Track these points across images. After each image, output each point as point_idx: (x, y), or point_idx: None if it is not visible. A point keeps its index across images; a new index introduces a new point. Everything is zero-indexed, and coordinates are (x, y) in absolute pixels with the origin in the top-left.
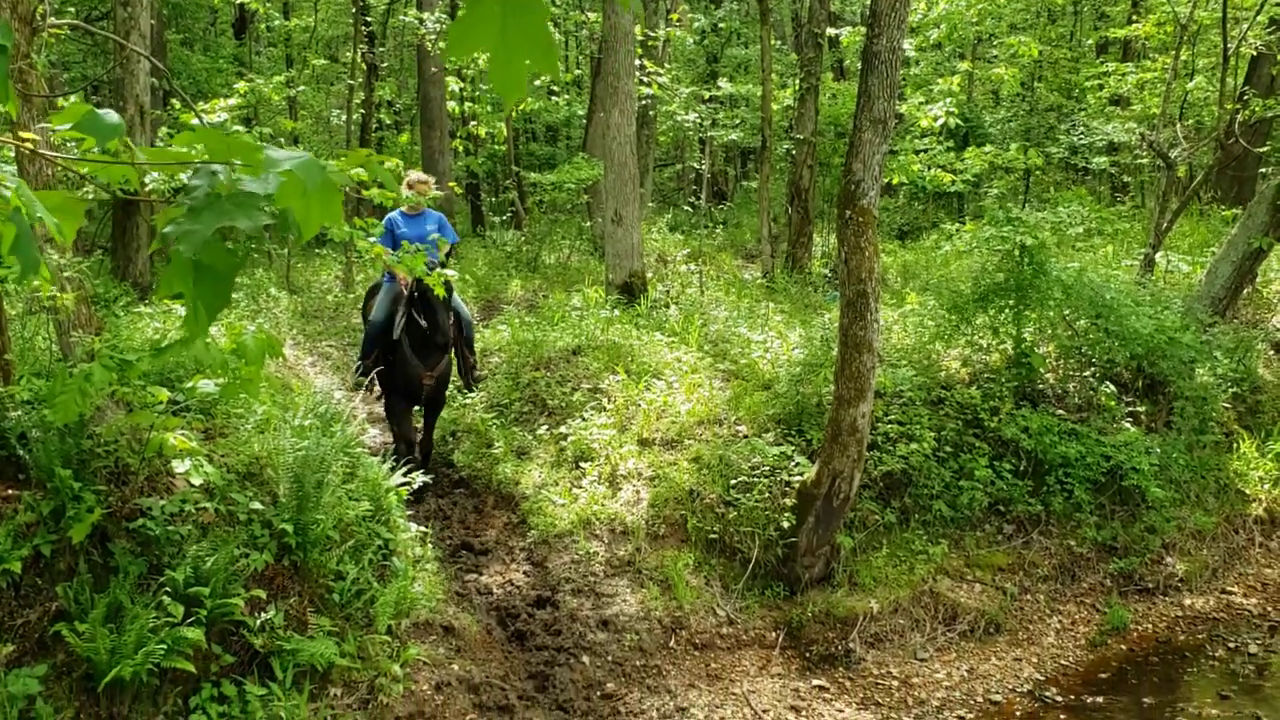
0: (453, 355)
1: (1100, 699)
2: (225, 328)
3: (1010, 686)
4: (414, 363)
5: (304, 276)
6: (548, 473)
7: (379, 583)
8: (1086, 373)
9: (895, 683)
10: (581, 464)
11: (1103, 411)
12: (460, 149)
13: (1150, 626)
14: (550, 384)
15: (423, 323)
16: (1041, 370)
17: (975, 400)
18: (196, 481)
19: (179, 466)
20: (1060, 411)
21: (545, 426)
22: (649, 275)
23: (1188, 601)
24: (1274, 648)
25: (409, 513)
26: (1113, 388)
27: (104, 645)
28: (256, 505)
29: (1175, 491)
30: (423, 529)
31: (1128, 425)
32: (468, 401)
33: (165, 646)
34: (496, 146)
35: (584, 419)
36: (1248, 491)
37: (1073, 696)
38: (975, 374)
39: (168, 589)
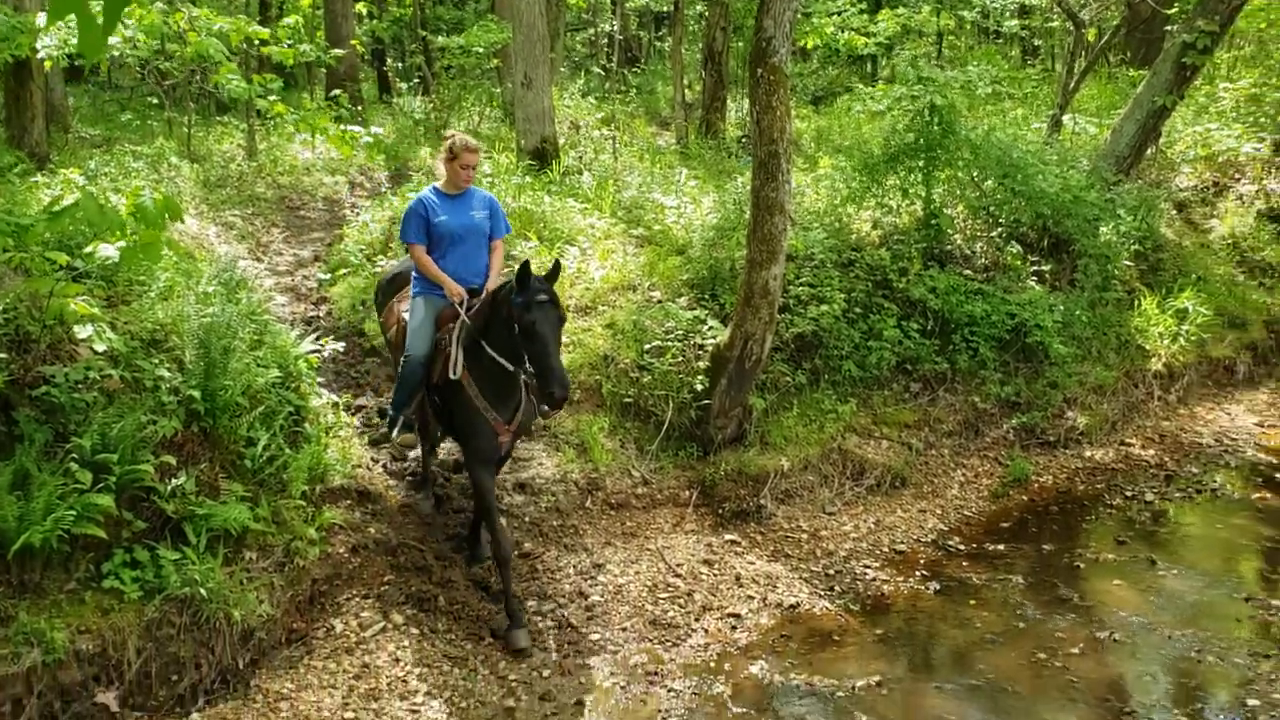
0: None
1: (1001, 547)
2: (124, 193)
3: (915, 537)
4: (489, 416)
5: (205, 145)
6: None
7: (291, 449)
8: (994, 233)
9: (804, 536)
10: None
11: (1008, 270)
12: (364, 12)
13: (1051, 478)
14: None
15: (511, 367)
16: (950, 231)
17: (885, 262)
18: (100, 349)
19: (81, 333)
20: (967, 271)
21: None
22: (561, 141)
23: (1088, 453)
24: (1169, 496)
25: (321, 382)
26: (1019, 247)
27: (11, 513)
28: (163, 372)
29: (1077, 348)
30: (335, 397)
31: (1033, 284)
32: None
33: (75, 513)
34: (402, 9)
35: None
36: (1148, 347)
37: (974, 545)
38: (885, 236)
39: (75, 456)
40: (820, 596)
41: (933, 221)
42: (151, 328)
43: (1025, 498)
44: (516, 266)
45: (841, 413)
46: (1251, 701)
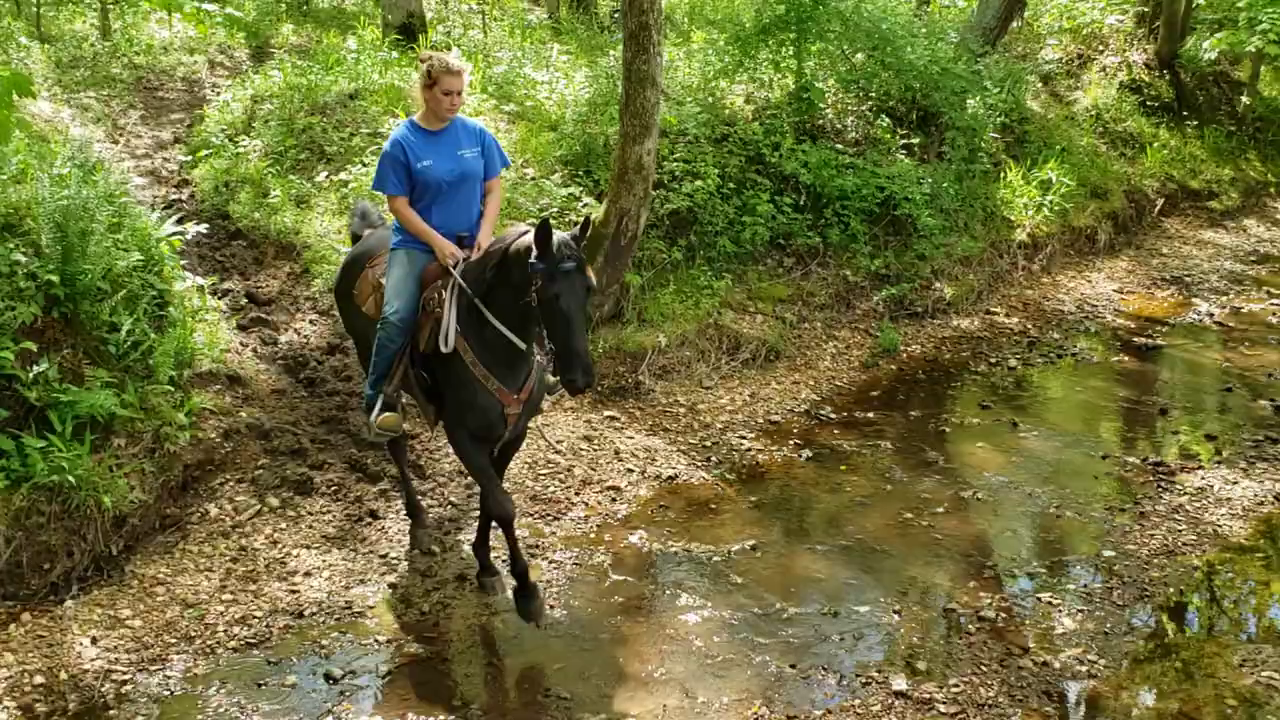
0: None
1: (871, 414)
2: None
3: (789, 407)
4: (490, 386)
5: (57, 25)
6: (329, 220)
7: (156, 334)
8: (864, 106)
9: (682, 410)
10: None
11: (878, 144)
12: None
13: (919, 347)
14: (327, 129)
15: (521, 344)
16: (821, 105)
17: (758, 136)
18: None
19: None
20: (839, 145)
21: (324, 173)
22: (429, 16)
23: (954, 323)
24: (1032, 361)
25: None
26: (888, 120)
27: None
28: (18, 257)
29: (945, 220)
30: (200, 280)
31: (902, 157)
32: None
33: None
34: None
35: (365, 164)
36: (1013, 218)
37: (846, 414)
38: (758, 110)
39: None
40: (697, 467)
41: (804, 95)
42: (4, 211)
43: (894, 367)
44: (535, 224)
45: (717, 288)
46: (1107, 553)
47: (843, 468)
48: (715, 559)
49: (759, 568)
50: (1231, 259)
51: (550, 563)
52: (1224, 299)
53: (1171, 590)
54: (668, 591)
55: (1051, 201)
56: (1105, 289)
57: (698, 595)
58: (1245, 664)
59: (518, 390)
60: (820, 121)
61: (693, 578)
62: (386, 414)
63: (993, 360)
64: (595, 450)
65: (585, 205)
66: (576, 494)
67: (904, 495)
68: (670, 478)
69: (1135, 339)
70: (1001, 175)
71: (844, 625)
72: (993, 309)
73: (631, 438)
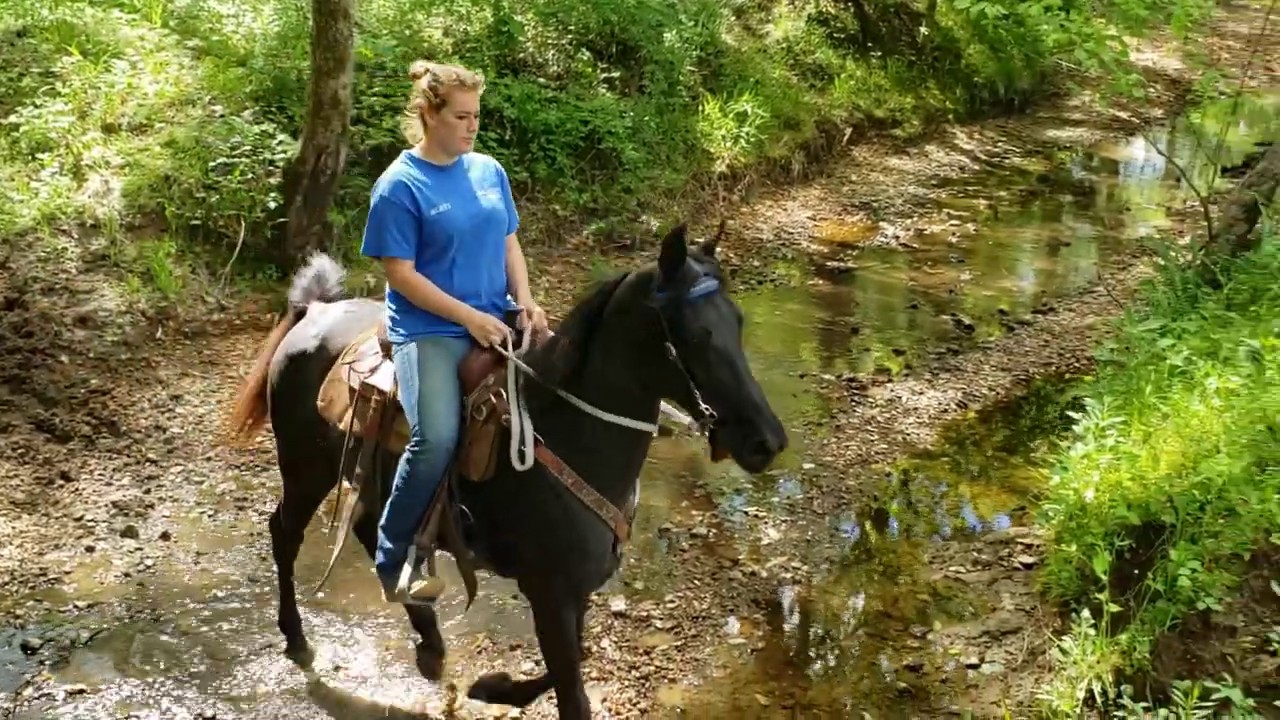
0: None
1: None
2: None
3: None
4: (605, 514)
5: None
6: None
7: None
8: (564, 40)
9: None
10: (39, 155)
11: (580, 78)
12: None
13: None
14: None
15: (647, 427)
16: (521, 38)
17: None
18: None
19: None
20: (541, 80)
21: None
22: None
23: None
24: (734, 289)
25: None
26: (589, 54)
27: None
28: None
29: (648, 153)
30: None
31: (604, 91)
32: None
33: None
34: None
35: (37, 106)
36: (712, 150)
37: None
38: (458, 44)
39: None
40: None
41: (503, 29)
42: None
43: None
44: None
45: None
46: (807, 465)
47: None
48: None
49: None
50: (915, 184)
51: (260, 514)
52: (909, 222)
53: (867, 497)
54: None
55: (748, 133)
56: (800, 217)
57: None
58: (935, 561)
59: (625, 509)
60: (521, 55)
61: None
62: (423, 582)
63: None
64: None
65: (280, 142)
66: None
67: None
68: None
69: (829, 263)
70: (700, 108)
71: None
72: (697, 239)
73: None
